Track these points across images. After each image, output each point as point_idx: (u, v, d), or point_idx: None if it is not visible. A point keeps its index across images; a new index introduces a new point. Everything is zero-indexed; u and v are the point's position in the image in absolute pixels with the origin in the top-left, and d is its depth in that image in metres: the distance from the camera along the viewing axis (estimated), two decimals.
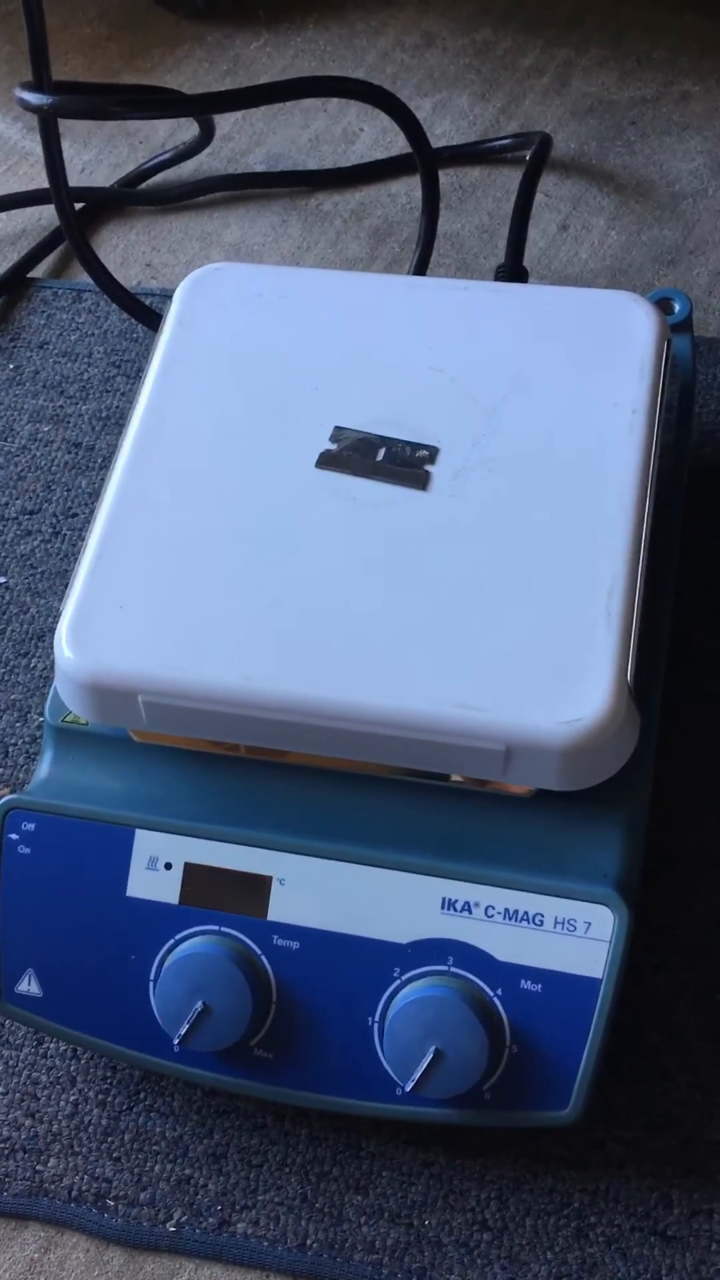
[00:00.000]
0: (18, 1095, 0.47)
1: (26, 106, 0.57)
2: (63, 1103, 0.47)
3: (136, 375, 0.67)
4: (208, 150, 0.75)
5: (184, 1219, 0.45)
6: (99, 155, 0.78)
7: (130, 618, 0.43)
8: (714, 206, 0.72)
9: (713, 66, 0.79)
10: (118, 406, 0.66)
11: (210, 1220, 0.45)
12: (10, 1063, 0.48)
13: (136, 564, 0.45)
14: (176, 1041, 0.42)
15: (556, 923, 0.41)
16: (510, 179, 0.74)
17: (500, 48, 0.82)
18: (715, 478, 0.61)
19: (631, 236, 0.72)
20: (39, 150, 0.78)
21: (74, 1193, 0.46)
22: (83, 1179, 0.46)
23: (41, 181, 0.76)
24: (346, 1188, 0.45)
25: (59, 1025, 0.45)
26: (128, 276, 0.71)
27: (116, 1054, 0.44)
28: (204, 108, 0.62)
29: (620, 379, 0.48)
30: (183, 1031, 0.42)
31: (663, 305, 0.55)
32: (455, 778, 0.44)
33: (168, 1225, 0.45)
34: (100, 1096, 0.47)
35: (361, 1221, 0.45)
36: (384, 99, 0.60)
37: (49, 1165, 0.46)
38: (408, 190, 0.75)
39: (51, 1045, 0.48)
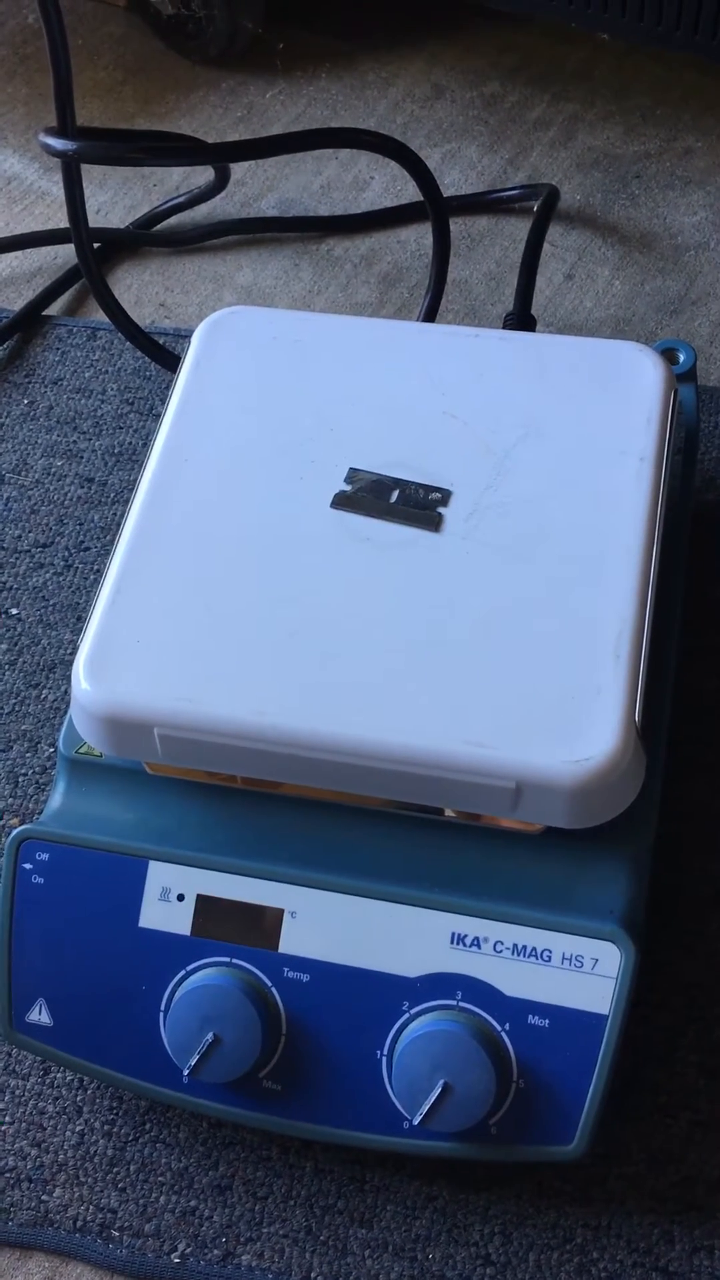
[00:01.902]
0: (24, 1125, 0.48)
1: (51, 151, 0.59)
2: (69, 1133, 0.48)
3: (149, 412, 0.68)
4: (222, 194, 0.76)
5: (189, 1250, 0.45)
6: (114, 196, 0.80)
7: (147, 652, 0.44)
8: (716, 259, 0.74)
9: (715, 123, 0.81)
10: (130, 443, 0.67)
11: (215, 1252, 0.45)
12: (17, 1092, 0.48)
13: (154, 599, 0.45)
14: (186, 1072, 0.43)
15: (564, 959, 0.42)
16: (517, 228, 0.76)
17: (508, 101, 0.84)
18: (718, 522, 0.62)
19: (635, 286, 0.73)
20: (55, 190, 0.80)
21: (79, 1223, 0.46)
22: (88, 1209, 0.46)
23: (57, 221, 0.78)
24: (351, 1221, 0.45)
25: (69, 1055, 0.45)
26: (141, 316, 0.72)
27: (125, 1084, 0.45)
28: (223, 156, 0.64)
29: (628, 428, 0.49)
30: (193, 1062, 0.43)
31: (668, 355, 0.57)
32: (453, 813, 0.45)
33: (172, 1256, 0.45)
34: (106, 1127, 0.48)
35: (365, 1255, 0.45)
36: (398, 151, 0.62)
37: (54, 1195, 0.46)
38: (416, 237, 0.76)
39: (58, 1075, 0.49)
